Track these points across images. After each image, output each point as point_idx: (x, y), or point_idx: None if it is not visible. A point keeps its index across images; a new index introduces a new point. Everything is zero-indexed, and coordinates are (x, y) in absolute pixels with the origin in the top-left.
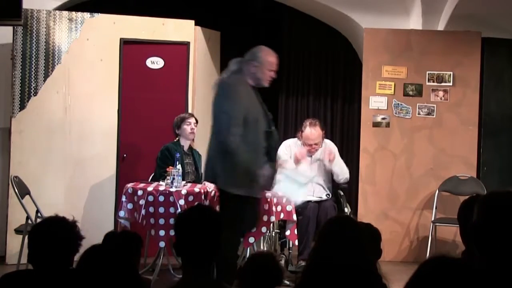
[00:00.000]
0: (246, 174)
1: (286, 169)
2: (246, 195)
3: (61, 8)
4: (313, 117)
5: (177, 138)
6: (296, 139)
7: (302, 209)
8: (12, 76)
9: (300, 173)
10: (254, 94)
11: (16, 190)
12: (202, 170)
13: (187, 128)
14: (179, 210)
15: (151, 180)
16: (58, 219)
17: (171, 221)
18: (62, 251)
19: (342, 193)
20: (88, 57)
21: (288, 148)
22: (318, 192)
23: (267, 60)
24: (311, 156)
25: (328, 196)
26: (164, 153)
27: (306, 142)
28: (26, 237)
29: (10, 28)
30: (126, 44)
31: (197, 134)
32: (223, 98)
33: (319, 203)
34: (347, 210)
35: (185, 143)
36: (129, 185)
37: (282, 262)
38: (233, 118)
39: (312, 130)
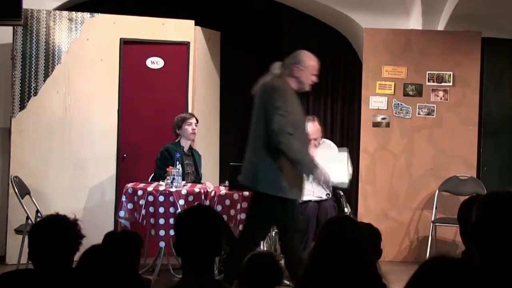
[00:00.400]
0: (296, 176)
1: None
2: (290, 197)
3: (61, 8)
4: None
5: (178, 139)
6: None
7: (302, 209)
8: (12, 76)
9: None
10: (297, 100)
11: (16, 190)
12: (242, 175)
13: (188, 128)
14: (179, 210)
15: (151, 180)
16: (58, 218)
17: (171, 221)
18: (62, 250)
19: (342, 193)
20: (88, 57)
21: None
22: (318, 192)
23: (311, 64)
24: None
25: (328, 196)
26: (164, 154)
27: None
28: (26, 236)
29: (10, 28)
30: (126, 44)
31: (197, 134)
32: (275, 100)
33: (319, 203)
34: (347, 210)
35: (185, 144)
36: (129, 185)
37: (282, 262)
38: (287, 118)
39: (310, 125)
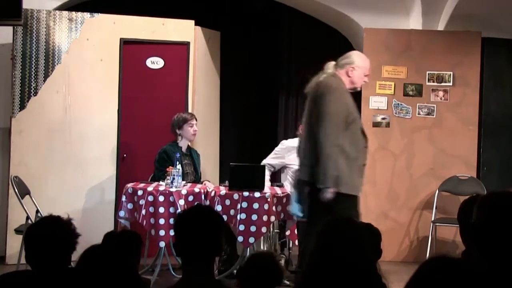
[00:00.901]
0: (325, 175)
1: None
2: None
3: (61, 8)
4: None
5: (177, 139)
6: (297, 139)
7: None
8: (12, 76)
9: None
10: (351, 97)
11: (16, 190)
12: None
13: (190, 130)
14: (179, 210)
15: (150, 181)
16: (52, 219)
17: (171, 221)
18: (59, 250)
19: None
20: (88, 57)
21: (283, 150)
22: None
23: (365, 65)
24: None
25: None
26: (162, 156)
27: None
28: None
29: (10, 28)
30: (126, 44)
31: (197, 134)
32: (326, 99)
33: None
34: None
35: (184, 144)
36: (129, 185)
37: (282, 262)
38: (334, 119)
39: None
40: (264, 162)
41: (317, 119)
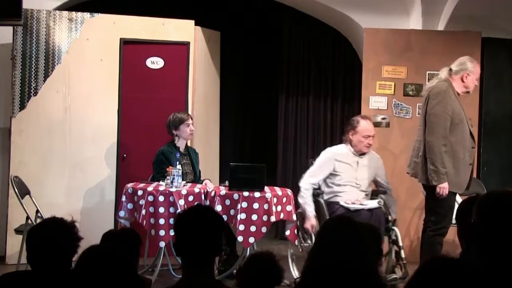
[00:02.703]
0: (436, 172)
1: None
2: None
3: (61, 8)
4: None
5: (174, 139)
6: (342, 145)
7: (355, 217)
8: (12, 76)
9: None
10: (458, 100)
11: (16, 190)
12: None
13: (186, 130)
14: (179, 210)
15: (150, 181)
16: (55, 221)
17: (171, 221)
18: (60, 253)
19: (383, 201)
20: (88, 57)
21: (330, 161)
22: (369, 200)
23: (476, 70)
24: (357, 163)
25: (380, 203)
26: (160, 158)
27: (365, 135)
28: None
29: (10, 28)
30: (126, 44)
31: (196, 134)
32: (434, 102)
33: (371, 211)
34: (390, 218)
35: (181, 144)
36: (129, 185)
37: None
38: (440, 119)
39: (368, 121)
40: (304, 183)
41: (425, 120)
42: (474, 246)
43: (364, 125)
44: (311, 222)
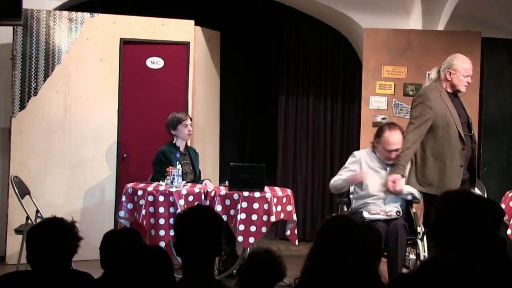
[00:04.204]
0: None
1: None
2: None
3: (61, 8)
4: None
5: (173, 139)
6: (368, 149)
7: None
8: (12, 76)
9: None
10: (450, 99)
11: (16, 190)
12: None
13: (184, 130)
14: (179, 210)
15: (150, 181)
16: (55, 221)
17: (171, 221)
18: (60, 254)
19: (414, 211)
20: (88, 57)
21: (355, 165)
22: (388, 210)
23: (462, 67)
24: (385, 169)
25: (398, 214)
26: (160, 158)
27: (386, 148)
28: None
29: (10, 28)
30: (126, 44)
31: (196, 134)
32: (414, 104)
33: (387, 222)
34: (420, 230)
35: (181, 144)
36: (129, 185)
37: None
38: (417, 121)
39: (393, 133)
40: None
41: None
42: (433, 246)
43: (386, 136)
44: (359, 174)
